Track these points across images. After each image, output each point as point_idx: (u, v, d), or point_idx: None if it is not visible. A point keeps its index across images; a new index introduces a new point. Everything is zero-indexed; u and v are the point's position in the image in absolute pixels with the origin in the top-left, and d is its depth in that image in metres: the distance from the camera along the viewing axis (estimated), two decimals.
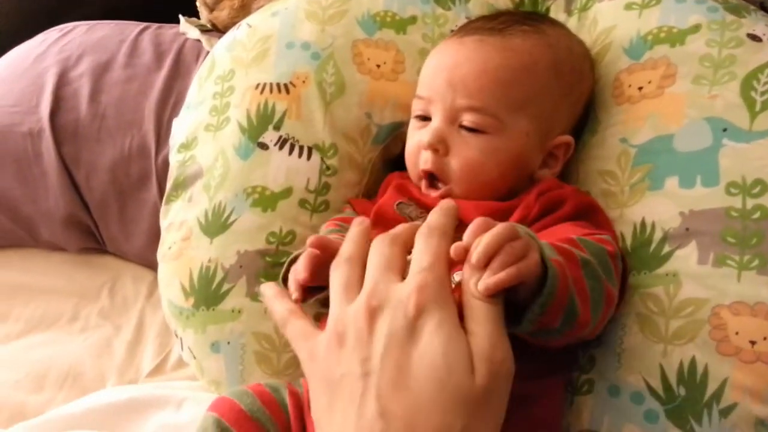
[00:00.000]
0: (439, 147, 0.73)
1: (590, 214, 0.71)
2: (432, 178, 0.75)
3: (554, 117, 0.77)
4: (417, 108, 0.78)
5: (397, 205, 0.76)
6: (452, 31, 0.91)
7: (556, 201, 0.70)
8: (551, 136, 0.77)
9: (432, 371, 0.45)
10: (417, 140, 0.76)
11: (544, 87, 0.75)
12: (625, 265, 0.68)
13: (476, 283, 0.49)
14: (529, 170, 0.76)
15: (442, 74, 0.75)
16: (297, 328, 0.53)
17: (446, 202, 0.55)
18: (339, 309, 0.51)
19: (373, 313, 0.48)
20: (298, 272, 0.62)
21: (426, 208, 0.74)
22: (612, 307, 0.63)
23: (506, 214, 0.70)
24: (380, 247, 0.52)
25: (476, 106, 0.73)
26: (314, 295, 0.64)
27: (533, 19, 0.81)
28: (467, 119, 0.73)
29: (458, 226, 0.68)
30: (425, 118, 0.77)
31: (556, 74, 0.76)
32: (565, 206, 0.70)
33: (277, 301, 0.56)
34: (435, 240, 0.51)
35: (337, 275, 0.53)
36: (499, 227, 0.50)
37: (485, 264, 0.49)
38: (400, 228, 0.55)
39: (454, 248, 0.50)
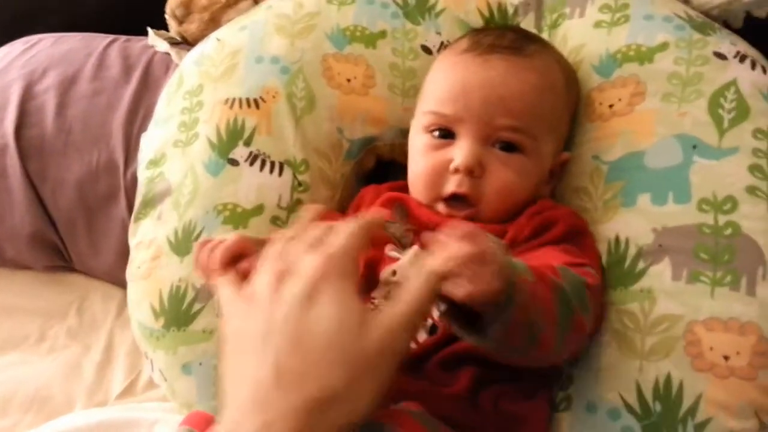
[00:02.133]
0: (477, 170, 0.71)
1: (578, 237, 0.71)
2: (456, 199, 0.73)
3: (564, 135, 0.78)
4: (434, 123, 0.75)
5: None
6: (425, 46, 0.91)
7: (548, 222, 0.70)
8: (558, 154, 0.78)
9: (325, 332, 0.48)
10: (438, 160, 0.73)
11: (561, 108, 0.76)
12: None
13: (429, 266, 0.50)
14: (540, 190, 0.76)
15: (476, 92, 0.72)
16: (227, 293, 0.57)
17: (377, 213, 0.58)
18: (256, 276, 0.54)
19: (280, 277, 0.51)
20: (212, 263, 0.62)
21: (419, 222, 0.72)
22: (582, 336, 0.63)
23: (500, 235, 0.69)
24: (313, 230, 0.56)
25: (519, 125, 0.72)
26: None
27: (533, 36, 0.81)
28: (508, 138, 0.72)
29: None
30: (444, 136, 0.74)
31: (568, 93, 0.77)
32: (556, 228, 0.70)
33: (216, 271, 0.60)
34: (355, 224, 0.54)
35: (271, 249, 0.56)
36: (472, 247, 0.50)
37: (443, 273, 0.50)
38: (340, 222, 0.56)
39: (425, 236, 0.54)
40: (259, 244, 0.63)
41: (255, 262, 0.61)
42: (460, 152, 0.72)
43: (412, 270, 0.53)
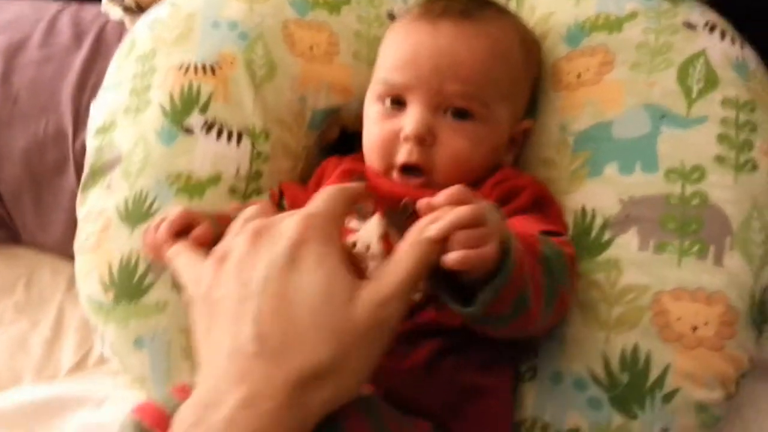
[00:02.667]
0: (428, 138, 0.69)
1: (545, 206, 0.70)
2: (409, 169, 0.71)
3: (522, 102, 0.76)
4: (385, 93, 0.73)
5: None
6: (390, 13, 0.88)
7: (513, 191, 0.69)
8: (517, 121, 0.76)
9: (310, 302, 0.45)
10: (390, 129, 0.71)
11: (517, 73, 0.74)
12: None
13: (420, 231, 0.48)
14: (499, 158, 0.75)
15: (425, 59, 0.70)
16: (184, 259, 0.55)
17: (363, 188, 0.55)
18: (227, 238, 0.52)
19: (256, 237, 0.49)
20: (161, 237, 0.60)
21: (378, 193, 0.69)
22: (564, 309, 0.62)
23: None
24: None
25: (469, 92, 0.69)
26: None
27: (489, 2, 0.79)
28: (459, 104, 0.70)
29: (414, 216, 0.66)
30: (395, 105, 0.72)
31: (524, 59, 0.75)
32: (522, 197, 0.68)
33: (167, 243, 0.58)
34: (334, 190, 0.52)
35: (242, 213, 0.54)
36: (468, 210, 0.48)
37: (439, 238, 0.47)
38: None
39: (421, 202, 0.50)
40: (208, 217, 0.62)
41: (207, 230, 0.60)
42: (409, 120, 0.70)
43: (408, 238, 0.49)
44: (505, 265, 0.49)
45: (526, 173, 0.76)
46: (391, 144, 0.71)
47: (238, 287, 0.47)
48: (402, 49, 0.74)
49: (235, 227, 0.52)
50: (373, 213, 0.68)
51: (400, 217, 0.67)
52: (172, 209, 0.62)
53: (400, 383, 0.59)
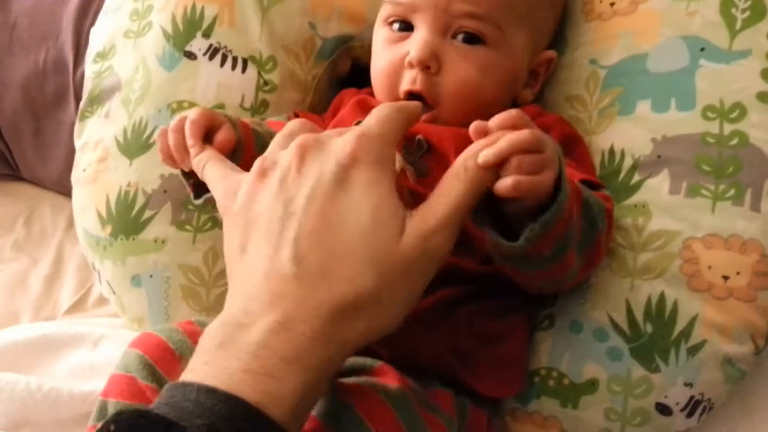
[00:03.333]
0: (432, 64, 0.63)
1: (572, 146, 0.65)
2: (414, 98, 0.64)
3: (544, 30, 0.70)
4: (391, 14, 0.66)
5: (356, 124, 0.67)
6: None
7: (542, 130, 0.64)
8: (538, 51, 0.70)
9: (356, 226, 0.43)
10: (396, 55, 0.65)
11: None
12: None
13: (473, 156, 0.45)
14: (516, 91, 0.69)
15: None
16: (215, 171, 0.52)
17: (412, 104, 0.52)
18: (272, 149, 0.49)
19: (304, 153, 0.46)
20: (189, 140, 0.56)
21: None
22: (596, 263, 0.59)
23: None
24: None
25: (478, 12, 0.63)
26: (204, 193, 0.58)
27: None
28: (468, 26, 0.63)
29: (428, 154, 0.62)
30: (403, 28, 0.66)
31: None
32: (551, 136, 0.63)
33: (194, 147, 0.55)
34: (389, 110, 0.49)
35: (287, 126, 0.51)
36: (527, 134, 0.45)
37: (495, 163, 0.45)
38: None
39: (475, 125, 0.47)
40: (226, 119, 0.59)
41: (231, 133, 0.57)
42: (413, 45, 0.63)
43: (457, 164, 0.46)
44: (558, 199, 0.47)
45: (550, 112, 0.71)
46: (396, 71, 0.65)
47: (280, 205, 0.44)
48: None
49: (277, 140, 0.50)
50: None
51: (415, 153, 0.62)
52: (190, 110, 0.58)
53: (413, 329, 0.55)
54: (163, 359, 0.57)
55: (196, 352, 0.42)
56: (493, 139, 0.46)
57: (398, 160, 0.61)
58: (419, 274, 0.44)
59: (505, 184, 0.44)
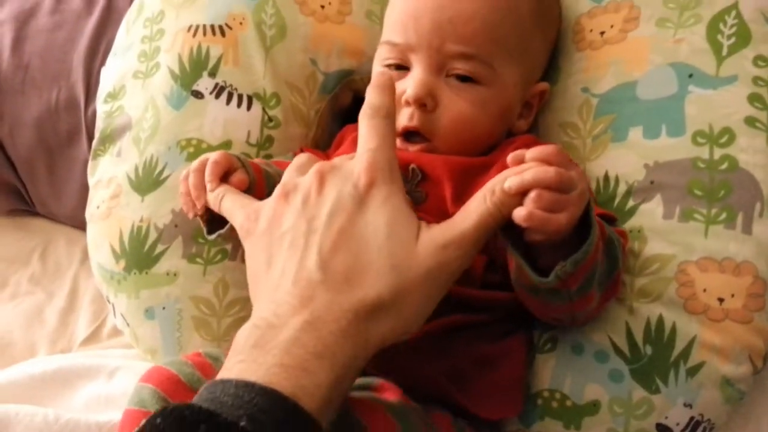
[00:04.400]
0: (428, 101, 0.65)
1: None
2: (410, 134, 0.67)
3: (535, 63, 0.73)
4: (389, 56, 0.69)
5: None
6: None
7: None
8: (531, 84, 0.72)
9: (374, 238, 0.47)
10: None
11: (528, 32, 0.69)
12: None
13: (501, 182, 0.48)
14: (510, 122, 0.71)
15: (425, 17, 0.66)
16: (234, 202, 0.57)
17: (381, 76, 0.53)
18: (289, 176, 0.53)
19: (323, 177, 0.51)
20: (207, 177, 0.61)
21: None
22: (612, 297, 0.61)
23: (479, 171, 0.65)
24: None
25: (470, 52, 0.65)
26: (217, 229, 0.62)
27: None
28: (460, 67, 0.66)
29: (423, 182, 0.64)
30: (400, 67, 0.69)
31: (538, 16, 0.71)
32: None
33: (212, 183, 0.60)
34: (378, 122, 0.52)
35: (295, 160, 0.56)
36: (553, 172, 0.47)
37: (517, 191, 0.47)
38: None
39: (513, 154, 0.50)
40: (239, 163, 0.63)
41: (245, 176, 0.62)
42: (410, 83, 0.66)
43: (486, 187, 0.49)
44: (589, 240, 0.49)
45: (546, 141, 0.73)
46: None
47: (303, 222, 0.49)
48: (402, 7, 0.69)
49: (290, 171, 0.54)
50: None
51: (410, 182, 0.65)
52: (211, 153, 0.62)
53: (410, 357, 0.57)
54: (176, 392, 0.59)
55: (230, 355, 0.45)
56: (523, 169, 0.48)
57: None
58: (435, 284, 0.47)
59: (518, 213, 0.47)
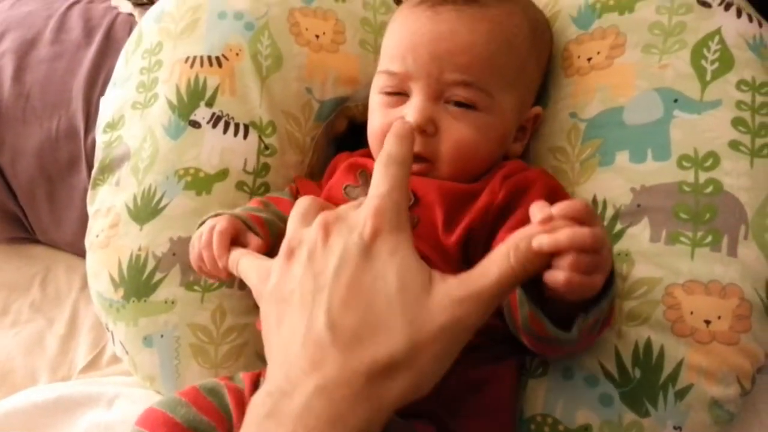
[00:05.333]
0: (429, 128, 0.67)
1: (557, 199, 0.67)
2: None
3: (530, 89, 0.74)
4: (387, 84, 0.71)
5: (345, 188, 0.71)
6: None
7: (523, 186, 0.66)
8: (526, 109, 0.74)
9: (383, 291, 0.45)
10: (392, 118, 0.69)
11: (523, 59, 0.71)
12: None
13: (526, 238, 0.45)
14: (506, 147, 0.73)
15: (424, 47, 0.68)
16: (249, 263, 0.56)
17: (401, 126, 0.53)
18: (294, 229, 0.52)
19: (328, 230, 0.49)
20: (216, 251, 0.62)
21: None
22: (607, 327, 0.60)
23: (469, 198, 0.66)
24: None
25: (469, 80, 0.67)
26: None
27: None
28: (459, 94, 0.67)
29: (415, 206, 0.66)
30: (397, 94, 0.70)
31: (532, 44, 0.72)
32: (533, 192, 0.66)
33: (221, 258, 0.61)
34: (393, 168, 0.50)
35: (298, 205, 0.54)
36: (589, 234, 0.45)
37: (549, 252, 0.45)
38: None
39: (538, 206, 0.47)
40: (245, 225, 0.65)
41: (260, 242, 0.63)
42: (410, 111, 0.68)
43: (510, 242, 0.46)
44: (607, 295, 0.50)
45: (533, 165, 0.74)
46: None
47: (309, 279, 0.47)
48: (401, 36, 0.71)
49: (294, 220, 0.53)
50: None
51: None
52: (216, 220, 0.64)
53: None
54: None
55: (245, 423, 0.44)
56: (552, 227, 0.45)
57: None
58: (451, 339, 0.45)
59: (556, 277, 0.45)
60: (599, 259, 0.46)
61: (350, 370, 0.43)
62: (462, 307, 0.45)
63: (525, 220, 0.59)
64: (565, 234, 0.45)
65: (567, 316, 0.52)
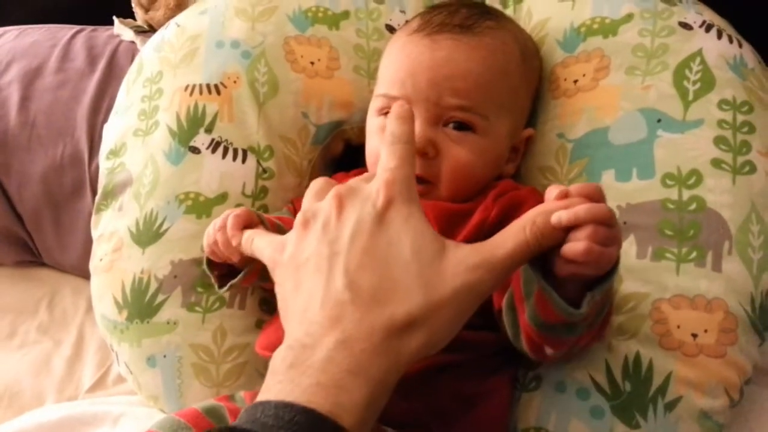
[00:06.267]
0: (429, 150, 0.69)
1: None
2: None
3: (522, 112, 0.77)
4: (384, 107, 0.74)
5: None
6: (389, 25, 0.89)
7: (514, 203, 0.68)
8: (519, 131, 0.76)
9: (399, 256, 0.47)
10: None
11: (516, 85, 0.74)
12: None
13: (544, 213, 0.48)
14: (500, 168, 0.75)
15: (423, 73, 0.70)
16: (262, 240, 0.58)
17: (400, 107, 0.55)
18: (308, 204, 0.54)
19: (341, 201, 0.51)
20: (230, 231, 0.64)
21: None
22: (606, 328, 0.62)
23: (463, 217, 0.68)
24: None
25: (467, 105, 0.69)
26: (229, 280, 0.67)
27: (490, 12, 0.79)
28: (458, 117, 0.70)
29: None
30: None
31: (524, 70, 0.75)
32: (524, 209, 0.67)
33: (235, 237, 0.62)
34: (398, 146, 0.53)
35: (312, 185, 0.57)
36: (606, 208, 0.48)
37: (568, 225, 0.47)
38: None
39: (555, 187, 0.50)
40: (259, 219, 0.67)
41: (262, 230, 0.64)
42: None
43: (527, 216, 0.48)
44: (612, 276, 0.50)
45: (523, 184, 0.76)
46: None
47: (326, 246, 0.49)
48: (400, 62, 0.74)
49: (309, 197, 0.55)
50: None
51: None
52: (231, 210, 0.66)
53: (395, 395, 0.59)
54: None
55: (268, 375, 0.46)
56: (569, 204, 0.48)
57: None
58: (463, 303, 0.47)
59: (575, 248, 0.47)
60: (615, 232, 0.48)
61: (369, 326, 0.45)
62: (475, 274, 0.47)
63: None
64: (583, 208, 0.47)
65: (572, 302, 0.52)
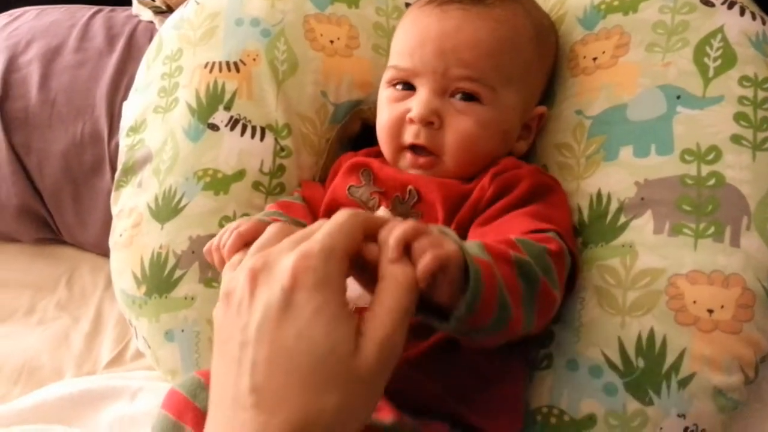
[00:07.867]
0: (434, 120, 0.70)
1: (546, 194, 0.69)
2: (418, 148, 0.71)
3: (534, 89, 0.76)
4: (394, 78, 0.74)
5: (348, 188, 0.74)
6: (408, 3, 0.89)
7: (510, 182, 0.68)
8: (530, 108, 0.76)
9: (309, 352, 0.42)
10: (398, 111, 0.72)
11: (527, 59, 0.73)
12: (575, 259, 0.64)
13: (402, 266, 0.45)
14: (511, 144, 0.75)
15: (430, 44, 0.70)
16: (225, 278, 0.52)
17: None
18: (239, 267, 0.48)
19: (255, 277, 0.45)
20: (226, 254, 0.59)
21: (384, 184, 0.72)
22: (552, 305, 0.59)
23: (467, 196, 0.68)
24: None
25: (474, 75, 0.70)
26: None
27: None
28: (464, 87, 0.70)
29: (418, 203, 0.68)
30: (405, 88, 0.73)
31: (536, 45, 0.74)
32: (518, 188, 0.67)
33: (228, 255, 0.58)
34: (348, 217, 0.47)
35: (262, 236, 0.51)
36: (403, 225, 0.46)
37: (398, 252, 0.45)
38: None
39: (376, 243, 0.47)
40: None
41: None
42: (416, 104, 0.70)
43: (388, 271, 0.45)
44: (471, 280, 0.47)
45: (538, 161, 0.76)
46: (399, 126, 0.72)
47: (239, 332, 0.44)
48: (410, 34, 0.74)
49: (251, 252, 0.49)
50: (379, 205, 0.70)
51: (408, 202, 0.69)
52: (241, 221, 0.62)
53: (410, 374, 0.59)
54: (192, 419, 0.62)
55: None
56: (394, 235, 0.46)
57: (386, 213, 0.66)
58: (380, 382, 0.44)
59: (423, 262, 0.45)
60: (433, 236, 0.46)
61: (272, 430, 0.41)
62: (386, 348, 0.44)
63: (502, 227, 0.61)
64: (390, 237, 0.45)
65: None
